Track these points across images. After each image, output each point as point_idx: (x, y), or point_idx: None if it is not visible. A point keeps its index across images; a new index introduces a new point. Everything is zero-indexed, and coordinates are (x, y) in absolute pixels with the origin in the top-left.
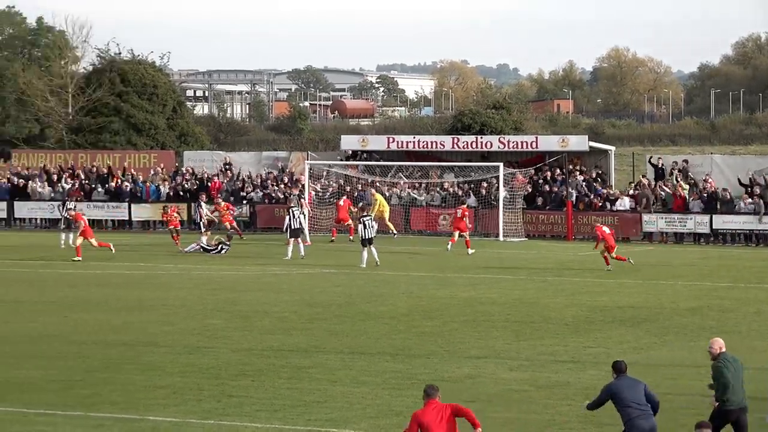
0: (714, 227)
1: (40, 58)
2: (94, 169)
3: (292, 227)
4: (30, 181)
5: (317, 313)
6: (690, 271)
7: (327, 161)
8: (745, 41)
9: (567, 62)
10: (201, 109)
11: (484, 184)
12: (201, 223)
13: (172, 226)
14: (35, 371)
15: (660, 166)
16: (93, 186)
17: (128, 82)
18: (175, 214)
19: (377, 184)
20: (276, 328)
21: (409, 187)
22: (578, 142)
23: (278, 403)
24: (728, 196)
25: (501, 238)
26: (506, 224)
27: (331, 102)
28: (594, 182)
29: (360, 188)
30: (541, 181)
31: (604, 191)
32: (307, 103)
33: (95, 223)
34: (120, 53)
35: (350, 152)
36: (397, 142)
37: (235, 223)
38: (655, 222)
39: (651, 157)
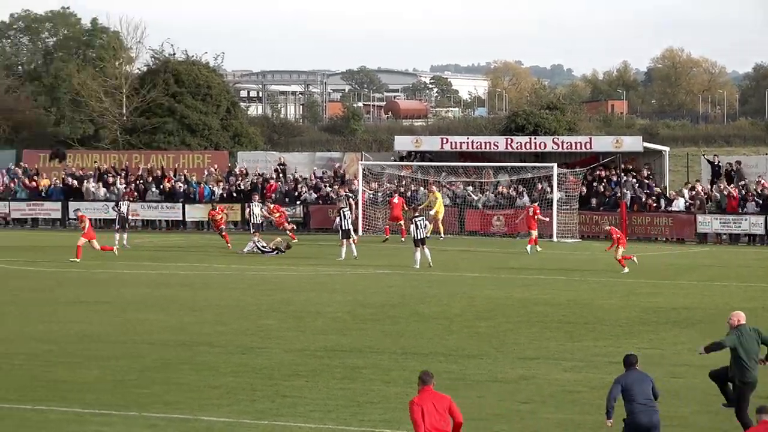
0: None
1: (94, 59)
2: (149, 167)
3: (344, 228)
4: (84, 182)
5: (371, 314)
6: (744, 272)
7: (380, 162)
8: None
9: (621, 63)
10: (255, 110)
11: (539, 186)
12: (253, 223)
13: (222, 226)
14: (91, 371)
15: (717, 163)
16: (147, 186)
17: (182, 83)
18: (222, 214)
19: (440, 182)
20: (329, 329)
21: (464, 188)
22: (632, 143)
23: (331, 404)
24: None
25: (555, 239)
26: (560, 225)
27: (384, 103)
28: (646, 182)
29: (413, 189)
30: (595, 182)
31: (657, 190)
32: (360, 104)
33: (149, 224)
34: (174, 54)
35: (404, 153)
36: (451, 142)
37: (288, 226)
38: (709, 223)
39: (705, 153)
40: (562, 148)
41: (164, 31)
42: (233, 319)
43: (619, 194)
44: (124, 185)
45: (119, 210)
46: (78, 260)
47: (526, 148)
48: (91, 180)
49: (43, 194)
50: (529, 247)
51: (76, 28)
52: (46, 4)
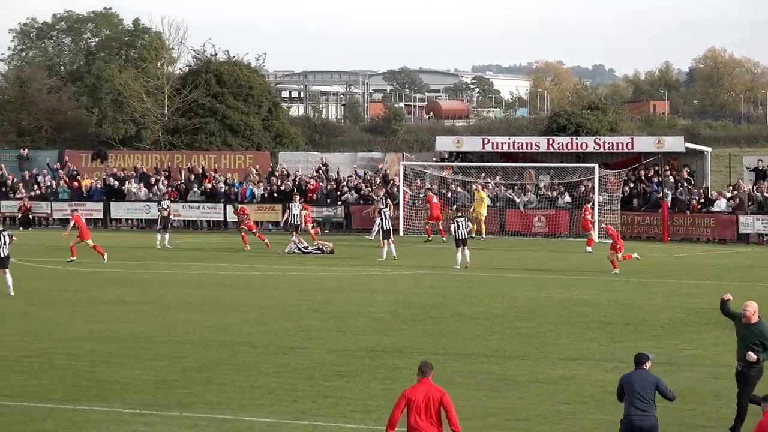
0: None
1: (136, 60)
2: (190, 166)
3: (385, 228)
4: (126, 182)
5: (411, 314)
6: None
7: (422, 162)
8: None
9: (663, 63)
10: (296, 110)
11: (581, 188)
12: (292, 224)
13: (244, 227)
14: (133, 371)
15: (761, 168)
16: (189, 187)
17: (224, 83)
18: (245, 215)
19: (486, 181)
20: (370, 329)
21: (506, 188)
22: (674, 143)
23: (372, 404)
24: None
25: (596, 239)
26: (601, 225)
27: (426, 103)
28: (686, 182)
29: (454, 189)
30: (636, 182)
31: (696, 190)
32: (402, 104)
33: (190, 224)
34: (216, 54)
35: (445, 153)
36: (492, 143)
37: (310, 226)
38: (751, 223)
39: (746, 154)
40: (604, 149)
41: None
42: (274, 320)
43: (660, 195)
44: (167, 186)
45: (164, 208)
46: (74, 259)
47: (567, 148)
48: (133, 180)
49: (84, 194)
50: (588, 249)
51: (118, 28)
52: (88, 4)
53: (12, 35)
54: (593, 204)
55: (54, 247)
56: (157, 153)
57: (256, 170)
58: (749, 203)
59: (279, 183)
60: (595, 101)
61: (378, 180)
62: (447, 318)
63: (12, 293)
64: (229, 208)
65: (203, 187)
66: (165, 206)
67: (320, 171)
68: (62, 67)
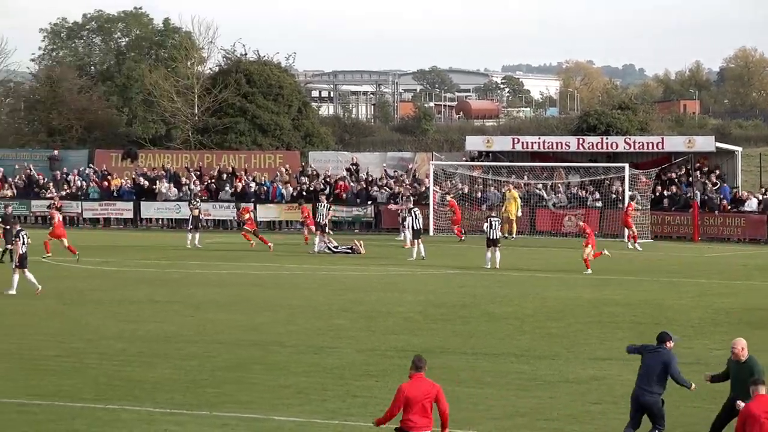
0: None
1: (166, 59)
2: (220, 167)
3: (415, 228)
4: (157, 182)
5: (442, 314)
6: None
7: (452, 162)
8: None
9: (693, 62)
10: (326, 110)
11: (613, 189)
12: (318, 223)
13: (248, 228)
14: (163, 370)
15: None
16: (219, 186)
17: (254, 83)
18: (248, 215)
19: (519, 181)
20: (400, 329)
21: (537, 188)
22: (705, 143)
23: None
24: None
25: (626, 239)
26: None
27: (456, 103)
28: (713, 183)
29: (484, 189)
30: (666, 182)
31: (728, 190)
32: (432, 104)
33: (221, 224)
34: (246, 54)
35: (475, 153)
36: (522, 142)
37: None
38: None
39: None
40: (634, 148)
41: (236, 31)
42: (304, 319)
43: (690, 194)
44: (198, 185)
45: (196, 207)
46: (49, 255)
47: (597, 148)
48: (164, 180)
49: (114, 194)
50: (633, 245)
51: (148, 28)
52: (118, 4)
53: (42, 35)
54: (636, 201)
55: (84, 247)
56: (187, 152)
57: (286, 170)
58: None
59: (309, 183)
60: (625, 101)
61: (406, 180)
62: (477, 318)
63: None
64: (260, 207)
65: (234, 186)
66: (196, 205)
67: (350, 171)
68: (92, 67)
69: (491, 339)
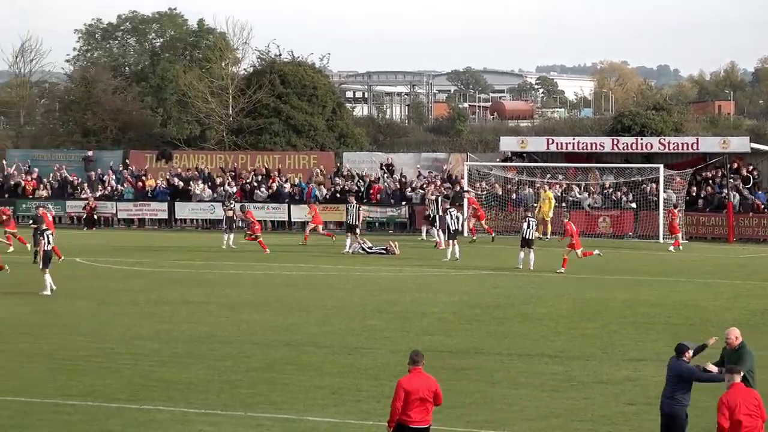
0: None
1: (201, 60)
2: (255, 168)
3: (451, 228)
4: (191, 183)
5: (476, 315)
6: None
7: (486, 162)
8: None
9: (728, 63)
10: (360, 111)
11: (648, 189)
12: (348, 224)
13: (252, 232)
14: (198, 371)
15: None
16: (254, 187)
17: (288, 84)
18: (250, 218)
19: (554, 181)
20: (434, 329)
21: (571, 189)
22: (740, 144)
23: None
24: None
25: (661, 240)
26: (666, 226)
27: (490, 103)
28: (744, 183)
29: (518, 189)
30: (701, 183)
31: (760, 192)
32: (466, 105)
33: None
34: (280, 55)
35: (509, 154)
36: (557, 143)
37: (321, 227)
38: None
39: None
40: (669, 149)
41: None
42: (339, 320)
43: (725, 195)
44: (233, 186)
45: (229, 208)
46: (10, 245)
47: (632, 148)
48: (198, 181)
49: (149, 195)
50: (673, 248)
51: (182, 29)
52: (153, 5)
53: (77, 36)
54: (679, 208)
55: (119, 247)
56: (221, 153)
57: (321, 171)
58: None
59: (345, 183)
60: (659, 101)
61: (437, 181)
62: (511, 319)
63: (49, 293)
64: (294, 208)
65: (268, 187)
66: (230, 206)
67: (384, 171)
68: (127, 68)
69: (525, 340)
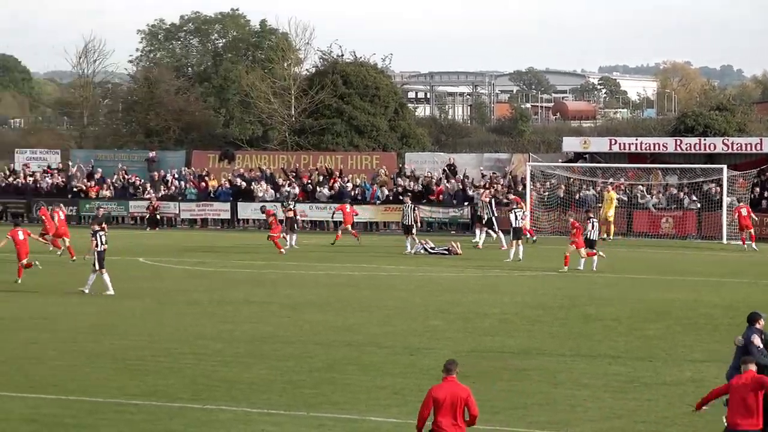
0: None
1: (263, 60)
2: (317, 168)
3: (515, 228)
4: (253, 183)
5: (538, 315)
6: None
7: (548, 163)
8: None
9: None
10: (422, 111)
11: (712, 190)
12: (404, 224)
13: (273, 231)
14: (260, 371)
15: None
16: (316, 187)
17: (350, 84)
18: (272, 216)
19: (618, 183)
20: (497, 330)
21: (634, 189)
22: None
23: (498, 405)
24: None
25: (725, 240)
26: (730, 227)
27: (552, 103)
28: None
29: (579, 190)
30: (765, 183)
31: None
32: (528, 105)
33: (317, 225)
34: (342, 55)
35: (572, 154)
36: (619, 144)
37: (349, 227)
38: None
39: None
40: (732, 150)
41: (332, 32)
42: (400, 320)
43: None
44: (295, 187)
45: (290, 209)
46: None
47: (695, 149)
48: (261, 181)
49: (211, 195)
50: (750, 245)
51: (245, 29)
52: (215, 5)
53: (140, 36)
54: (747, 203)
55: (181, 247)
56: (284, 153)
57: (384, 171)
58: None
59: (407, 184)
60: (723, 102)
61: (502, 180)
62: (573, 319)
63: (112, 292)
64: (356, 208)
65: (330, 187)
66: (289, 207)
67: (446, 171)
68: (189, 68)
69: (588, 341)
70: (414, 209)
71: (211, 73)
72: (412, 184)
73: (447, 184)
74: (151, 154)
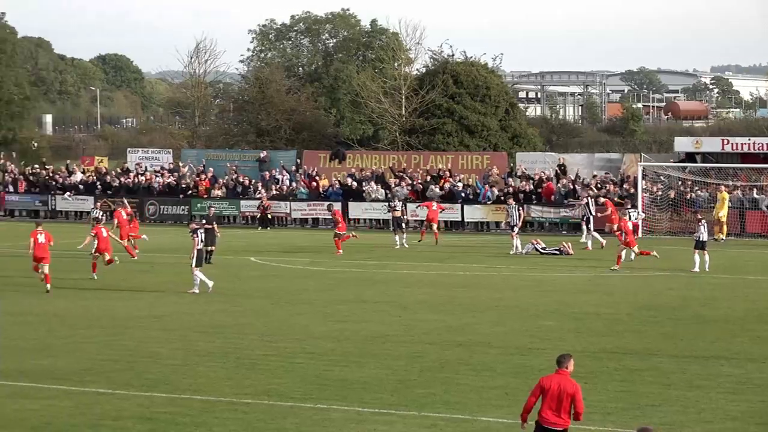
0: None
1: (373, 60)
2: (428, 168)
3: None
4: (364, 183)
5: (650, 316)
6: None
7: (660, 163)
8: None
9: None
10: (533, 111)
11: None
12: (508, 224)
13: (339, 230)
14: (371, 370)
15: None
16: (426, 187)
17: (461, 84)
18: (337, 217)
19: (733, 183)
20: (608, 331)
21: (749, 189)
22: None
23: (611, 406)
24: None
25: None
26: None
27: (664, 103)
28: None
29: (691, 190)
30: None
31: None
32: (640, 105)
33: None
34: (453, 55)
35: (684, 154)
36: (732, 144)
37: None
38: None
39: None
40: None
41: (443, 32)
42: (512, 320)
43: None
44: (404, 187)
45: (396, 209)
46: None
47: None
48: (372, 181)
49: (322, 194)
50: None
51: (355, 29)
52: (326, 5)
53: (251, 36)
54: None
55: (293, 247)
56: (394, 153)
57: (496, 171)
58: None
59: (520, 185)
60: None
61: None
62: (686, 320)
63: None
64: (467, 208)
65: (441, 187)
66: (396, 207)
67: (557, 171)
68: (300, 68)
69: (701, 342)
70: (516, 209)
71: (321, 73)
72: (524, 183)
73: (558, 185)
74: (263, 153)
